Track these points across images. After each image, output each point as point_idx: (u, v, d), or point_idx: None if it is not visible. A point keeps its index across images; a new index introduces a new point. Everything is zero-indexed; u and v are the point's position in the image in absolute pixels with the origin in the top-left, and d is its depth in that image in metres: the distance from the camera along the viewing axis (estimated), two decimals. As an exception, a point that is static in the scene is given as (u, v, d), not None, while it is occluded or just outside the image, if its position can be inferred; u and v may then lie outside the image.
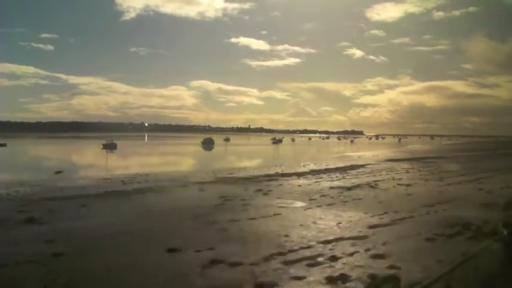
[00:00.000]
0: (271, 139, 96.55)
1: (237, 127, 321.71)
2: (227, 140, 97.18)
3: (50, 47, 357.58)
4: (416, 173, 22.46)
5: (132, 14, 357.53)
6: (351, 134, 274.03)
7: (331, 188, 15.58)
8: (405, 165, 29.00)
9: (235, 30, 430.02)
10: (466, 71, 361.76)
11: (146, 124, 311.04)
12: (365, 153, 49.72)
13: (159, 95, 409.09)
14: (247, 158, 43.66)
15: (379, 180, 18.04)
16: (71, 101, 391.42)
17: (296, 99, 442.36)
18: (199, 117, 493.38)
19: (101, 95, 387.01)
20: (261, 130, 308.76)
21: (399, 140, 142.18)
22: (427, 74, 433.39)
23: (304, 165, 27.62)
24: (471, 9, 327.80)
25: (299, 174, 20.98)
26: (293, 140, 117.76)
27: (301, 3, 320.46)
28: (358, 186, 16.13)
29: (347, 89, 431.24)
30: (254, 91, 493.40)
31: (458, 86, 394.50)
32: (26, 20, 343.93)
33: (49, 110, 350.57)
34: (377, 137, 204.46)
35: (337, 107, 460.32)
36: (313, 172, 22.32)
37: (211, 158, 45.94)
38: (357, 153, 48.25)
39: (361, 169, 24.72)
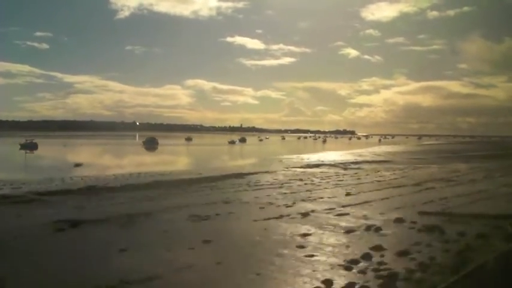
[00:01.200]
0: (229, 140, 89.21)
1: (230, 126, 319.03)
2: (189, 139, 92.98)
3: (45, 46, 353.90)
4: (308, 185, 18.75)
5: (126, 13, 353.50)
6: (343, 134, 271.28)
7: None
8: (325, 170, 25.44)
9: (230, 29, 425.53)
10: (462, 71, 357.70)
11: (137, 123, 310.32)
12: (314, 155, 46.09)
13: (154, 94, 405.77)
14: (168, 161, 40.00)
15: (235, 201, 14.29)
16: (66, 99, 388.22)
17: (291, 98, 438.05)
18: (194, 117, 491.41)
19: (95, 93, 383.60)
20: (252, 129, 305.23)
21: (379, 140, 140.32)
22: (422, 74, 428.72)
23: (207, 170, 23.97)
24: (465, 9, 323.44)
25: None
26: (260, 140, 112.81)
27: (296, 2, 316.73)
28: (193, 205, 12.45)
29: (342, 89, 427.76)
30: (249, 90, 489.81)
31: (454, 86, 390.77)
32: (21, 19, 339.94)
33: (44, 108, 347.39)
34: (367, 136, 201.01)
35: (333, 106, 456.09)
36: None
37: (122, 160, 42.05)
38: (304, 155, 44.68)
39: (253, 177, 21.21)
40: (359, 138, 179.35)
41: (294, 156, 43.76)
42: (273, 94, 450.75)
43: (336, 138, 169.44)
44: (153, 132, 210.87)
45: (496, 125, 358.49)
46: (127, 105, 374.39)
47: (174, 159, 43.70)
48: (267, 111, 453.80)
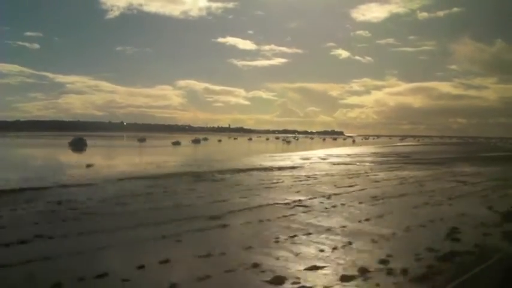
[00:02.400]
0: (172, 142, 78.96)
1: (218, 127, 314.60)
2: (142, 140, 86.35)
3: (36, 46, 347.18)
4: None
5: (116, 13, 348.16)
6: (331, 135, 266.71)
7: None
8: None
9: (221, 30, 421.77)
10: (452, 72, 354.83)
11: (125, 123, 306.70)
12: (249, 158, 40.09)
13: (145, 95, 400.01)
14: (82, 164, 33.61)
15: None
16: (58, 100, 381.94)
17: (283, 99, 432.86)
18: (186, 117, 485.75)
19: (87, 94, 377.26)
20: (240, 130, 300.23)
21: (353, 141, 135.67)
22: (413, 75, 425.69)
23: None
24: (455, 10, 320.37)
25: None
26: (219, 141, 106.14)
27: (285, 3, 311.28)
28: None
29: (334, 90, 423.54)
30: (241, 91, 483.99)
31: (445, 87, 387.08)
32: (11, 18, 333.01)
33: (35, 108, 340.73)
34: (352, 137, 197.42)
35: (324, 107, 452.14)
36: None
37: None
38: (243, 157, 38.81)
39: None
40: (345, 138, 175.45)
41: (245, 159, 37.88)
42: (265, 95, 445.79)
43: (324, 139, 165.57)
44: (138, 132, 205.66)
45: (487, 125, 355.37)
46: (119, 105, 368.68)
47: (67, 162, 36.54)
48: (259, 112, 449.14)
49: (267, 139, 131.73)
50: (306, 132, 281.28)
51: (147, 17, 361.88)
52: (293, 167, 27.78)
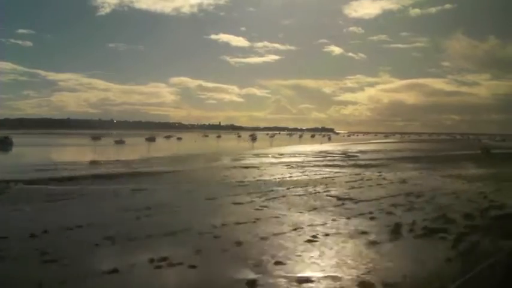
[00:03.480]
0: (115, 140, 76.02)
1: (209, 124, 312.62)
2: (96, 138, 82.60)
3: (29, 43, 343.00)
4: None
5: (107, 10, 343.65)
6: (321, 131, 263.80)
7: None
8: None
9: (214, 27, 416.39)
10: (445, 68, 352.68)
11: (114, 121, 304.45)
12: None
13: (139, 92, 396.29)
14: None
15: None
16: (51, 97, 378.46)
17: (277, 96, 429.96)
18: (180, 115, 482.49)
19: (80, 91, 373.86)
20: (231, 127, 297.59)
21: (329, 138, 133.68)
22: (406, 71, 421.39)
23: None
24: (447, 6, 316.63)
25: None
26: (178, 138, 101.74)
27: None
28: None
29: (327, 86, 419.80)
30: (234, 88, 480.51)
31: (438, 83, 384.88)
32: (2, 16, 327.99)
33: (28, 106, 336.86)
34: (337, 133, 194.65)
35: (318, 104, 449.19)
36: None
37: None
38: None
39: None
40: (329, 137, 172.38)
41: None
42: (258, 92, 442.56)
43: (313, 136, 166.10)
44: (125, 130, 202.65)
45: (480, 122, 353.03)
46: (113, 103, 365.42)
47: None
48: (252, 109, 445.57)
49: (239, 136, 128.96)
50: (296, 129, 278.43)
51: (139, 14, 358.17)
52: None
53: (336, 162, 32.38)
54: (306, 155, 43.18)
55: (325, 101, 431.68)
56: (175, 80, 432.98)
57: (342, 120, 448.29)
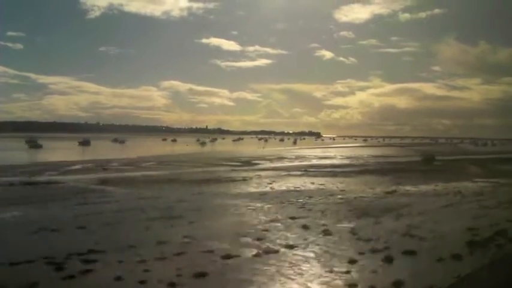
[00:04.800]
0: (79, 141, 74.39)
1: (196, 128, 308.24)
2: (30, 142, 77.02)
3: (19, 46, 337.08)
4: None
5: (97, 13, 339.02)
6: (308, 135, 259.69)
7: None
8: None
9: (204, 31, 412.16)
10: (436, 73, 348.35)
11: (101, 124, 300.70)
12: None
13: (130, 95, 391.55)
14: None
15: None
16: (42, 100, 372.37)
17: (268, 100, 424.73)
18: (171, 118, 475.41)
19: (71, 94, 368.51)
20: (218, 131, 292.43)
21: (294, 141, 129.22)
22: (397, 76, 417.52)
23: None
24: (437, 11, 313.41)
25: None
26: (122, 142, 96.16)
27: (267, 3, 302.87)
28: None
29: (318, 91, 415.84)
30: (225, 92, 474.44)
31: (429, 88, 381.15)
32: None
33: (19, 109, 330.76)
34: (322, 138, 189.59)
35: (309, 108, 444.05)
36: None
37: None
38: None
39: None
40: (295, 141, 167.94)
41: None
42: (249, 96, 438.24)
43: (302, 139, 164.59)
44: (110, 133, 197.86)
45: (471, 127, 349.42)
46: (104, 106, 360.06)
47: None
48: (244, 113, 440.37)
49: (198, 140, 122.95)
50: (283, 133, 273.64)
51: (128, 17, 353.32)
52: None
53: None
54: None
55: (316, 105, 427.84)
56: (166, 83, 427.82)
57: (333, 125, 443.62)
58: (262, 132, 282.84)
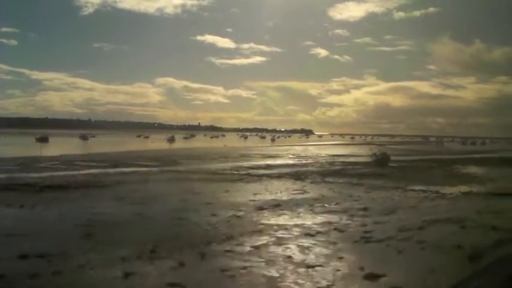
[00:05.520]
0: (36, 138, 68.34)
1: (189, 125, 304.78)
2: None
3: (13, 42, 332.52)
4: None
5: (91, 9, 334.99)
6: (300, 133, 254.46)
7: None
8: None
9: (199, 28, 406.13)
10: (430, 72, 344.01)
11: (93, 120, 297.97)
12: None
13: (124, 92, 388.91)
14: None
15: None
16: (36, 97, 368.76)
17: (263, 98, 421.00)
18: (166, 115, 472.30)
19: (65, 91, 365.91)
20: (211, 128, 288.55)
21: (272, 138, 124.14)
22: (392, 74, 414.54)
23: None
24: (431, 10, 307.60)
25: None
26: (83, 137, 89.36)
27: (261, 1, 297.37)
28: None
29: (313, 89, 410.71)
30: (220, 89, 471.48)
31: (423, 86, 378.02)
32: None
33: (13, 105, 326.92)
34: (308, 135, 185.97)
35: (304, 106, 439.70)
36: None
37: None
38: None
39: None
40: (273, 138, 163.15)
41: None
42: (244, 93, 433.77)
43: (287, 137, 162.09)
44: (101, 130, 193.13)
45: (465, 125, 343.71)
46: (98, 103, 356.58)
47: None
48: (239, 110, 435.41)
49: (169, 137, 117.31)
50: (275, 131, 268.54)
51: (122, 14, 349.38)
52: None
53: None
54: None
55: (311, 103, 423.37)
56: (160, 80, 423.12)
57: (328, 123, 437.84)
58: (255, 129, 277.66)
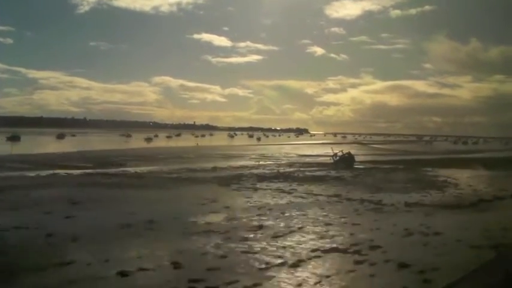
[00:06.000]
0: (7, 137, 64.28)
1: (184, 123, 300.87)
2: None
3: (9, 41, 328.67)
4: None
5: (86, 8, 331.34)
6: (296, 132, 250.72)
7: None
8: None
9: (196, 26, 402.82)
10: (427, 70, 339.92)
11: (88, 119, 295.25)
12: None
13: (121, 91, 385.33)
14: None
15: None
16: (33, 95, 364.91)
17: (260, 96, 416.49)
18: (163, 114, 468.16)
19: (61, 89, 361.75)
20: (206, 127, 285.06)
21: (258, 138, 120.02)
22: (388, 73, 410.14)
23: None
24: (427, 8, 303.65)
25: None
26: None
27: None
28: None
29: (310, 87, 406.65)
30: (217, 88, 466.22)
31: (420, 85, 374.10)
32: None
33: (10, 104, 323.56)
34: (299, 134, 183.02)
35: (301, 105, 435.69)
36: None
37: None
38: None
39: None
40: (259, 138, 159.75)
41: None
42: (241, 92, 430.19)
43: (278, 136, 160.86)
44: (96, 129, 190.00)
45: (462, 124, 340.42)
46: (95, 101, 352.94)
47: None
48: (236, 109, 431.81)
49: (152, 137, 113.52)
50: (270, 130, 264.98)
51: (118, 12, 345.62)
52: None
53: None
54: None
55: (308, 101, 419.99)
56: (157, 79, 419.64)
57: (325, 121, 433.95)
58: (251, 128, 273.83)
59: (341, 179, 19.92)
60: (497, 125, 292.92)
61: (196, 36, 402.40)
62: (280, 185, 17.13)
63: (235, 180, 18.56)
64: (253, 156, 36.39)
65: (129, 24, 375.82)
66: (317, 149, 55.60)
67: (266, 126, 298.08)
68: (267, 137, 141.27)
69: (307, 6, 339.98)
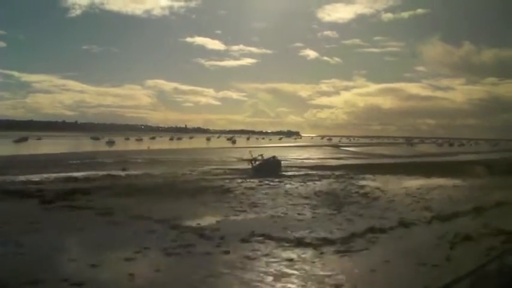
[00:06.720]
0: None
1: (176, 126, 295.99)
2: None
3: (1, 44, 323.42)
4: None
5: (78, 11, 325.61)
6: (287, 135, 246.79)
7: None
8: None
9: (188, 30, 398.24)
10: (420, 73, 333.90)
11: (79, 122, 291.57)
12: None
13: (114, 94, 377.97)
14: None
15: None
16: (26, 99, 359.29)
17: (254, 99, 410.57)
18: (156, 117, 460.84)
19: (55, 93, 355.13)
20: (198, 130, 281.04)
21: (233, 140, 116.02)
22: (381, 75, 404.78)
23: None
24: (419, 11, 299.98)
25: None
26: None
27: (249, 2, 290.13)
28: None
29: (303, 90, 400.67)
30: (210, 91, 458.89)
31: (413, 88, 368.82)
32: None
33: (3, 108, 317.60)
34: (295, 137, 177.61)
35: (295, 108, 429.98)
36: None
37: None
38: None
39: None
40: (234, 140, 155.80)
41: None
42: (235, 95, 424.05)
43: (261, 138, 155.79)
44: (86, 132, 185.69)
45: (455, 127, 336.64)
46: (89, 105, 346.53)
47: None
48: (230, 112, 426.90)
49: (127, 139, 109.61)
50: (261, 133, 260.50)
51: (110, 15, 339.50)
52: None
53: None
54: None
55: (301, 104, 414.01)
56: (150, 82, 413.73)
57: (319, 124, 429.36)
58: (242, 131, 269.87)
59: (230, 191, 15.49)
60: (489, 127, 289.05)
61: (189, 39, 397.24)
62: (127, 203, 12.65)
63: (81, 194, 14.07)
64: (189, 161, 31.82)
65: (122, 28, 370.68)
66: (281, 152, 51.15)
67: (259, 129, 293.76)
68: (248, 139, 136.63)
69: (299, 10, 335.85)
